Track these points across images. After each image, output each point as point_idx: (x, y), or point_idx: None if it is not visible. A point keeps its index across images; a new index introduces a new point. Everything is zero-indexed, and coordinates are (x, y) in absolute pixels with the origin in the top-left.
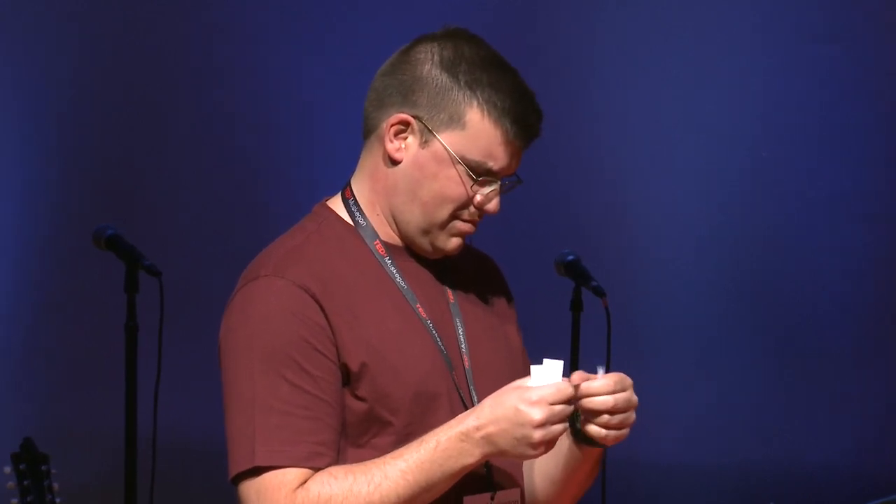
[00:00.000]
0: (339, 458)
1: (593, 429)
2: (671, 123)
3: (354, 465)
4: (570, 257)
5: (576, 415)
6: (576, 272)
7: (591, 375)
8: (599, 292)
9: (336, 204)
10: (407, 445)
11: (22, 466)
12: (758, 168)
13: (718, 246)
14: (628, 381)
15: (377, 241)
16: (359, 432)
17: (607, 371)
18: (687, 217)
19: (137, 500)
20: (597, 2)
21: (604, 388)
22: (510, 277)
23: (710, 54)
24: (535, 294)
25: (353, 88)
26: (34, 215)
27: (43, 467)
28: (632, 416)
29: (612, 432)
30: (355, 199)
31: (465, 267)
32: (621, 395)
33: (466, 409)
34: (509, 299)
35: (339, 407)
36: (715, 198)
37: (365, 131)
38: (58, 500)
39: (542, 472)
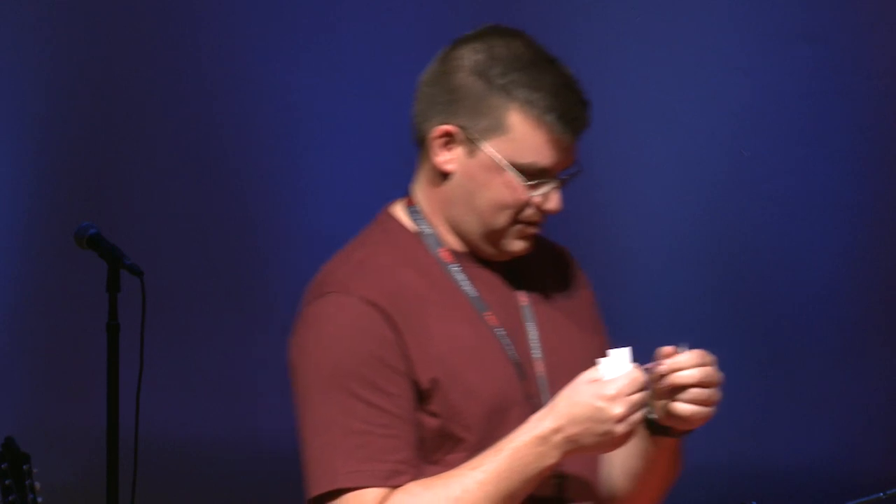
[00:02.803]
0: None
1: (681, 406)
2: (652, 122)
3: (432, 478)
4: None
5: (648, 406)
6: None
7: (676, 352)
8: None
9: (399, 211)
10: (483, 454)
11: (3, 466)
12: (739, 167)
13: (698, 245)
14: (710, 357)
15: (442, 248)
16: (432, 448)
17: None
18: (667, 216)
19: (119, 499)
20: (577, 0)
21: (690, 361)
22: None
23: (692, 53)
24: None
25: (336, 88)
26: (15, 214)
27: (25, 467)
28: (717, 393)
29: (700, 409)
30: (417, 206)
31: (539, 263)
32: (707, 369)
33: None
34: (586, 291)
35: (416, 423)
36: (696, 197)
37: (416, 140)
38: (39, 500)
39: (623, 468)
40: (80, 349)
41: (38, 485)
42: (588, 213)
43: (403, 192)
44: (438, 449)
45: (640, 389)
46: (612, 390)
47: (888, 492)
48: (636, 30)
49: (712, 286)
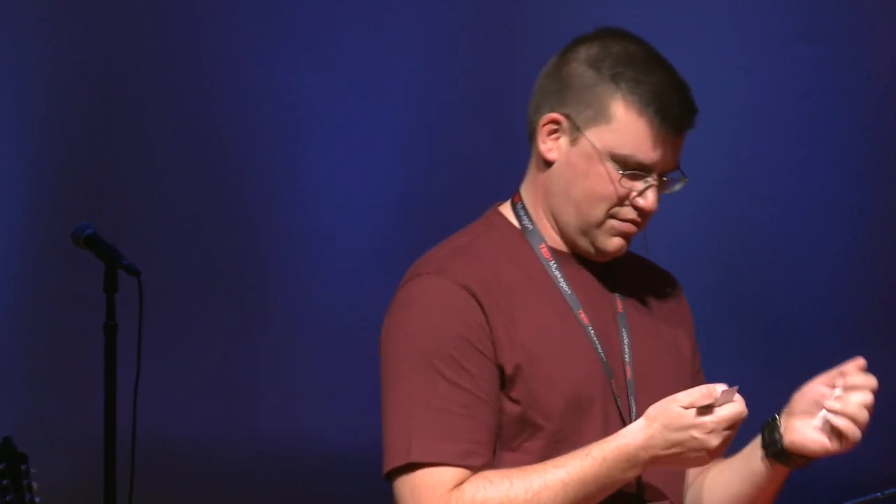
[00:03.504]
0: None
1: (842, 423)
2: None
3: (512, 469)
4: None
5: (776, 428)
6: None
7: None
8: None
9: (506, 209)
10: (569, 455)
11: (1, 466)
12: (739, 167)
13: (698, 246)
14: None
15: (543, 245)
16: (511, 435)
17: None
18: (667, 216)
19: (117, 499)
20: (577, 0)
21: (871, 382)
22: None
23: (692, 53)
24: None
25: (336, 88)
26: (12, 214)
27: (22, 467)
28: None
29: (855, 431)
30: (523, 203)
31: (641, 280)
32: (873, 397)
33: (623, 419)
34: (686, 318)
35: (497, 407)
36: (696, 197)
37: (528, 134)
38: (37, 500)
39: (724, 491)
40: (78, 349)
41: (35, 485)
42: None
43: (403, 192)
44: (518, 436)
45: (739, 423)
46: (711, 424)
47: (887, 492)
48: (636, 30)
49: (712, 286)
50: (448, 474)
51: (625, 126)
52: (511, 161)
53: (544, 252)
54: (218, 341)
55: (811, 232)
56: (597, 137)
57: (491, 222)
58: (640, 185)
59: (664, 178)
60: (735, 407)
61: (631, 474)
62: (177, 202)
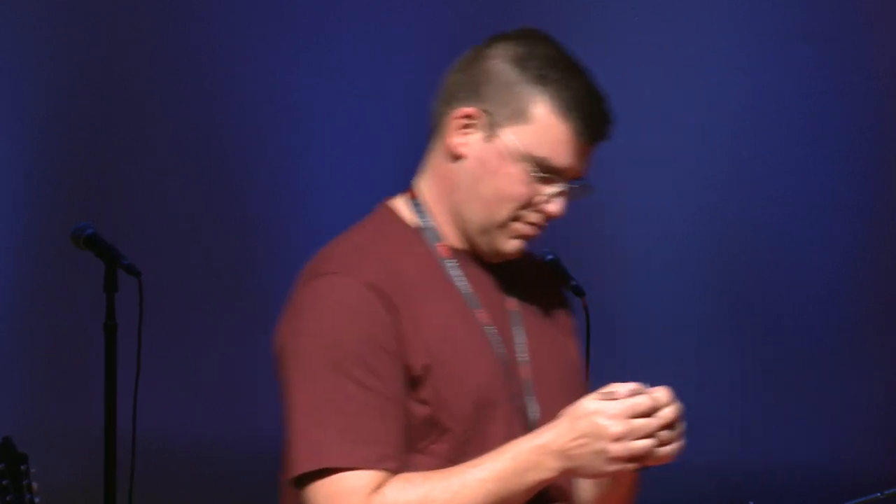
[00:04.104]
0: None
1: (661, 451)
2: (650, 122)
3: (432, 472)
4: (550, 257)
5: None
6: (555, 272)
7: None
8: (579, 292)
9: (399, 204)
10: (488, 454)
11: (1, 466)
12: (739, 167)
13: (698, 246)
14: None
15: (440, 243)
16: (418, 437)
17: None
18: (666, 217)
19: (117, 499)
20: (577, 0)
21: (667, 399)
22: None
23: (692, 53)
24: None
25: (336, 88)
26: (12, 214)
27: (22, 467)
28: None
29: (678, 447)
30: (419, 199)
31: (528, 276)
32: (677, 405)
33: (523, 419)
34: (567, 310)
35: (404, 409)
36: (696, 197)
37: (432, 129)
38: (37, 500)
39: (591, 493)
40: (78, 349)
41: (35, 485)
42: (588, 213)
43: (403, 192)
44: (424, 437)
45: (644, 415)
46: (612, 409)
47: (887, 492)
48: (636, 30)
49: (712, 286)
50: (365, 478)
51: (545, 128)
52: None
53: (442, 251)
54: (218, 341)
55: (811, 232)
56: (513, 137)
57: (385, 218)
58: (549, 189)
59: (572, 186)
60: (636, 399)
61: (547, 473)
62: (177, 202)
